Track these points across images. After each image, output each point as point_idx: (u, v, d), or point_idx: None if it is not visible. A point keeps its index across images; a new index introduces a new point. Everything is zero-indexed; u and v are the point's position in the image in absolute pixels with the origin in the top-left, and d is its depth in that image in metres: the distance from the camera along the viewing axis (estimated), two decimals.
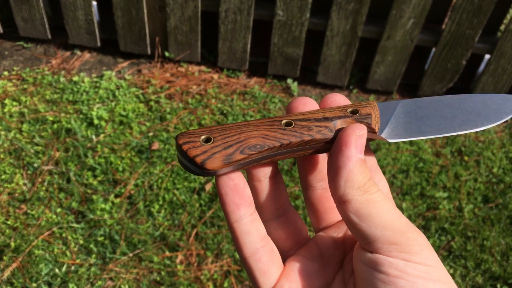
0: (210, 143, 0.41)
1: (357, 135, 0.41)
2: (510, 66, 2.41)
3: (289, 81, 2.59)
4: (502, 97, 0.47)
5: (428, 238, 1.99)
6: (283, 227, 0.47)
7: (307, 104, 0.46)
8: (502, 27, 2.67)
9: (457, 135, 2.44)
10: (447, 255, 1.96)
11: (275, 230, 0.47)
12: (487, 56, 2.52)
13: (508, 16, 2.77)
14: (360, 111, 0.44)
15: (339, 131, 0.43)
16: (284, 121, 0.43)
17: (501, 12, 2.42)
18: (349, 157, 0.40)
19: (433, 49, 2.48)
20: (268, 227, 0.47)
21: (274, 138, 0.42)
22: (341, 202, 0.40)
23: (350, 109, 0.44)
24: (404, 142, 2.35)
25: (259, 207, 0.46)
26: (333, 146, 0.42)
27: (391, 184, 2.17)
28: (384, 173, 2.19)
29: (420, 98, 0.47)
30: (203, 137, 0.42)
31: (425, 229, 2.03)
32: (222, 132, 0.42)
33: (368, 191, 0.40)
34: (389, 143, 2.33)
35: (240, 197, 0.42)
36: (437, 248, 1.96)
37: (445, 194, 2.15)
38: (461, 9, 2.24)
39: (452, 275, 1.90)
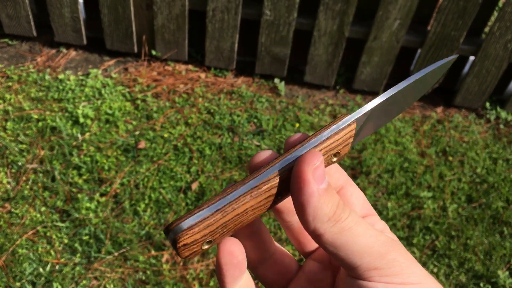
0: (209, 245, 0.40)
1: (314, 168, 0.38)
2: (494, 68, 2.44)
3: (276, 80, 2.60)
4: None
5: (413, 237, 2.01)
6: (271, 271, 0.46)
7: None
8: (487, 29, 2.70)
9: (441, 136, 2.46)
10: (431, 254, 1.98)
11: (263, 274, 0.46)
12: (471, 58, 2.55)
13: (493, 18, 2.81)
14: (341, 152, 0.43)
15: None
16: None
17: (485, 14, 2.45)
18: (311, 194, 0.38)
19: (419, 50, 2.50)
20: (256, 273, 0.46)
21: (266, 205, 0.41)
22: (315, 237, 0.39)
23: (333, 154, 0.42)
24: (389, 142, 2.37)
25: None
26: (291, 183, 0.39)
27: (376, 183, 2.19)
28: (369, 172, 2.21)
29: (375, 102, 0.45)
30: (205, 245, 0.39)
31: (409, 228, 2.05)
32: (222, 230, 0.39)
33: (339, 219, 0.38)
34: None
35: (239, 271, 0.41)
36: (421, 247, 1.99)
37: (430, 194, 2.17)
38: (447, 10, 2.26)
39: (436, 274, 1.93)
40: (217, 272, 0.41)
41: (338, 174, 0.46)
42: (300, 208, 0.39)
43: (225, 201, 0.39)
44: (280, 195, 0.41)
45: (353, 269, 0.38)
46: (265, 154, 0.43)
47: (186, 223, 0.38)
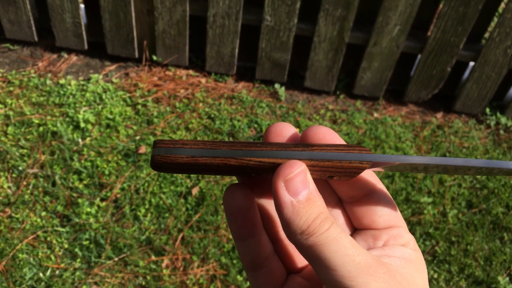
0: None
1: (287, 179, 0.38)
2: (494, 73, 2.45)
3: (277, 86, 2.61)
4: None
5: None
6: (263, 278, 0.46)
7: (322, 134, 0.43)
8: (487, 35, 2.71)
9: (441, 142, 2.47)
10: (432, 259, 1.98)
11: (255, 279, 0.46)
12: (471, 63, 2.56)
13: (492, 24, 2.82)
14: (341, 178, 0.42)
15: None
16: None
17: (485, 20, 2.46)
18: (283, 206, 0.38)
19: (419, 56, 2.51)
20: (250, 275, 0.46)
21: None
22: (295, 246, 0.39)
23: (328, 176, 0.42)
24: (389, 147, 2.37)
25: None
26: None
27: None
28: None
29: (411, 159, 0.42)
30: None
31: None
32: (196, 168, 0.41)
33: (314, 233, 0.37)
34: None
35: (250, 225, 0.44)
36: (421, 253, 1.98)
37: (430, 199, 2.17)
38: (446, 16, 2.27)
39: (436, 280, 1.93)
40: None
41: (366, 180, 0.44)
42: (279, 217, 0.39)
43: (218, 153, 0.40)
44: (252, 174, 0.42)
45: (325, 283, 0.38)
46: (285, 130, 0.44)
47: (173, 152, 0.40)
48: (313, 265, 0.38)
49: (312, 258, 0.38)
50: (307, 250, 0.37)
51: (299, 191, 0.38)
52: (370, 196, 0.44)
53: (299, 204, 0.38)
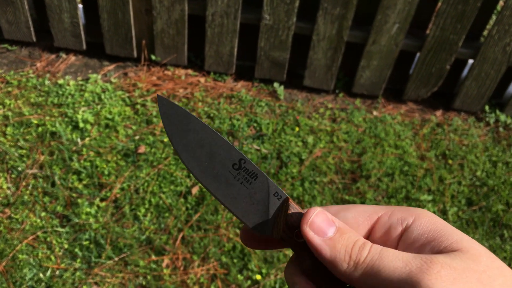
0: None
1: (310, 222, 0.41)
2: (493, 71, 2.45)
3: (276, 85, 2.60)
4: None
5: None
6: None
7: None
8: (485, 33, 2.71)
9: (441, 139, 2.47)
10: None
11: None
12: (470, 61, 2.56)
13: (491, 22, 2.82)
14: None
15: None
16: None
17: (484, 18, 2.46)
18: (319, 248, 0.40)
19: (418, 54, 2.51)
20: None
21: None
22: (351, 284, 0.39)
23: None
24: (389, 145, 2.37)
25: None
26: None
27: (376, 187, 2.19)
28: (369, 176, 2.21)
29: None
30: None
31: None
32: None
33: (359, 260, 0.38)
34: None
35: None
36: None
37: (430, 197, 2.17)
38: (445, 14, 2.27)
39: None
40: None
41: (392, 214, 0.44)
42: (323, 263, 0.41)
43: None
44: None
45: None
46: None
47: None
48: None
49: (371, 286, 0.38)
50: (362, 281, 0.38)
51: (325, 230, 0.40)
52: (400, 221, 0.44)
53: (332, 240, 0.40)
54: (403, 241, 0.41)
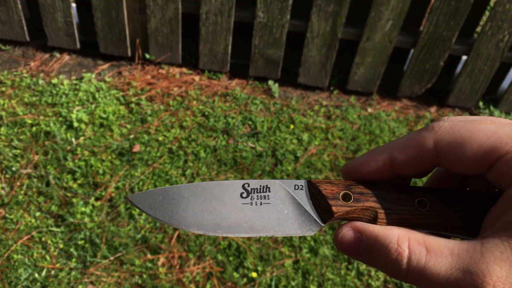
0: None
1: (340, 244, 0.41)
2: (486, 67, 2.46)
3: (270, 82, 2.61)
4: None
5: None
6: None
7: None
8: (479, 29, 2.72)
9: None
10: None
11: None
12: (464, 57, 2.57)
13: (484, 18, 2.83)
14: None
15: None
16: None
17: (477, 14, 2.46)
18: (361, 260, 0.40)
19: (412, 51, 2.51)
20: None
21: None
22: (407, 282, 0.38)
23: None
24: (384, 142, 2.38)
25: None
26: None
27: None
28: None
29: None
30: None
31: None
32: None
33: (400, 273, 0.37)
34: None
35: None
36: None
37: None
38: (439, 11, 2.28)
39: None
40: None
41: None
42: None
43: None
44: None
45: None
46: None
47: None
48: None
49: (425, 284, 0.36)
50: (413, 280, 0.37)
51: (356, 251, 0.40)
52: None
53: (367, 259, 0.39)
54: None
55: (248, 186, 0.43)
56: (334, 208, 0.41)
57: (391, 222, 0.41)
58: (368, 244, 0.39)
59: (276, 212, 0.43)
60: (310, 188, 0.43)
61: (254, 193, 0.43)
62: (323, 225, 0.43)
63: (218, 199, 0.43)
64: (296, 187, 0.43)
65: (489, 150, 0.35)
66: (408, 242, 0.37)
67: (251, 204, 0.43)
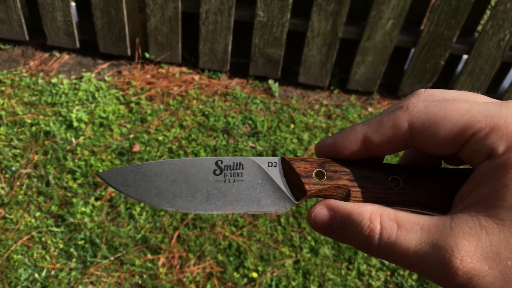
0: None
1: (312, 222, 0.41)
2: (487, 66, 2.45)
3: (270, 82, 2.60)
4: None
5: None
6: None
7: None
8: (479, 28, 2.71)
9: None
10: None
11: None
12: (465, 56, 2.56)
13: (485, 17, 2.82)
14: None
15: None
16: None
17: (478, 13, 2.46)
18: (334, 238, 0.40)
19: (412, 50, 2.50)
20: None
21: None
22: (383, 259, 0.38)
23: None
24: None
25: None
26: None
27: None
28: None
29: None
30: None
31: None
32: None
33: (372, 249, 0.38)
34: None
35: None
36: None
37: None
38: (439, 10, 2.27)
39: None
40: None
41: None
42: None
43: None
44: None
45: (428, 267, 0.36)
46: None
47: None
48: (404, 266, 0.37)
49: (396, 259, 0.37)
50: (384, 256, 0.37)
51: (329, 228, 0.40)
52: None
53: (340, 236, 0.39)
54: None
55: (222, 163, 0.43)
56: (307, 186, 0.41)
57: (364, 200, 0.41)
58: (341, 221, 0.39)
59: (250, 189, 0.43)
60: (284, 166, 0.43)
61: (227, 170, 0.43)
62: (296, 202, 0.43)
63: (191, 176, 0.43)
64: (270, 164, 0.43)
65: (462, 128, 0.36)
66: (380, 218, 0.37)
67: (224, 181, 0.43)
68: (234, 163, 0.43)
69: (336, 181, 0.41)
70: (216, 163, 0.43)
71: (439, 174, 0.42)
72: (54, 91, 2.38)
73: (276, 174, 0.43)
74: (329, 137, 0.43)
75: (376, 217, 0.38)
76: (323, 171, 0.42)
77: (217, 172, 0.43)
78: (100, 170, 2.05)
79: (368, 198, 0.41)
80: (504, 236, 0.33)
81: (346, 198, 0.41)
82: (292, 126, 2.38)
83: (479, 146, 0.35)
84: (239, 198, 0.43)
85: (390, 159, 2.21)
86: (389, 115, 0.39)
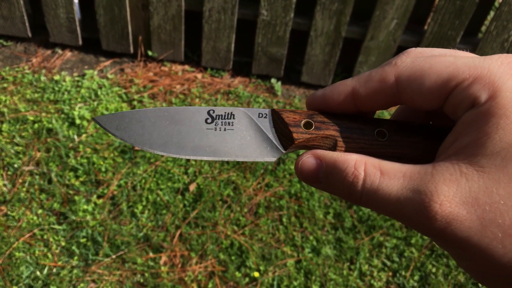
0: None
1: (300, 172, 0.42)
2: None
3: (273, 80, 2.59)
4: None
5: (411, 237, 2.01)
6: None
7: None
8: (483, 28, 2.71)
9: None
10: (430, 254, 1.99)
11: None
12: None
13: (489, 17, 2.81)
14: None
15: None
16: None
17: (482, 14, 2.45)
18: (318, 187, 0.41)
19: None
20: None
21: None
22: (369, 208, 0.39)
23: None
24: None
25: None
26: None
27: None
28: None
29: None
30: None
31: (408, 228, 2.05)
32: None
33: (356, 199, 0.39)
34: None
35: None
36: (419, 247, 1.99)
37: None
38: (443, 10, 2.26)
39: (435, 274, 1.93)
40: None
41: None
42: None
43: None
44: None
45: (410, 215, 0.37)
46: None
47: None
48: (386, 212, 0.38)
49: (378, 205, 0.37)
50: (366, 202, 0.38)
51: (316, 178, 0.41)
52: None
53: (326, 185, 0.40)
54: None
55: (214, 112, 0.45)
56: (295, 135, 0.43)
57: (350, 150, 0.42)
58: (327, 169, 0.40)
59: (239, 138, 0.44)
60: (274, 117, 0.45)
61: (218, 119, 0.44)
62: (284, 151, 0.44)
63: (183, 123, 0.45)
64: (260, 115, 0.45)
65: (446, 79, 0.36)
66: (364, 166, 0.39)
67: (215, 129, 0.44)
68: (225, 112, 0.45)
69: (323, 131, 0.43)
70: (208, 112, 0.45)
71: (425, 129, 0.43)
72: (56, 88, 2.37)
73: (266, 124, 0.45)
74: (320, 90, 0.44)
75: (361, 164, 0.39)
76: (311, 121, 0.43)
77: (209, 120, 0.45)
78: (103, 169, 2.05)
79: (354, 148, 0.42)
80: (484, 183, 0.33)
81: (333, 148, 0.42)
82: None
83: (462, 96, 0.35)
84: (228, 146, 0.44)
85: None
86: (377, 69, 0.41)
